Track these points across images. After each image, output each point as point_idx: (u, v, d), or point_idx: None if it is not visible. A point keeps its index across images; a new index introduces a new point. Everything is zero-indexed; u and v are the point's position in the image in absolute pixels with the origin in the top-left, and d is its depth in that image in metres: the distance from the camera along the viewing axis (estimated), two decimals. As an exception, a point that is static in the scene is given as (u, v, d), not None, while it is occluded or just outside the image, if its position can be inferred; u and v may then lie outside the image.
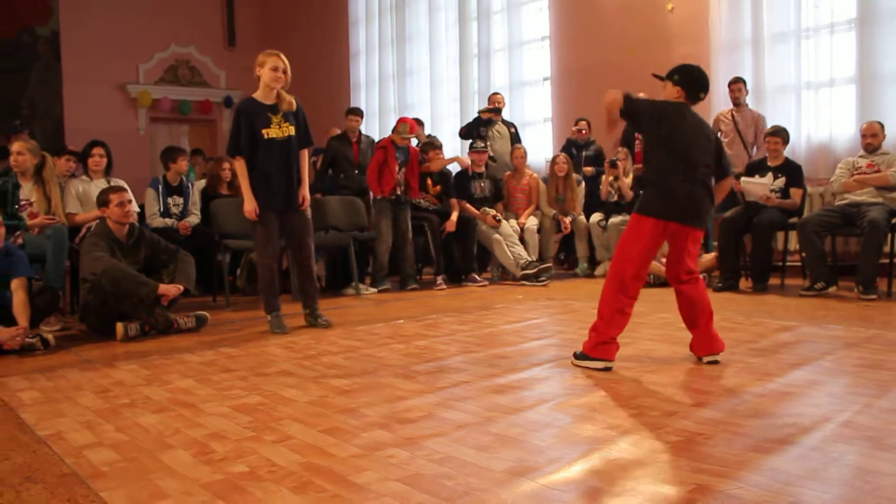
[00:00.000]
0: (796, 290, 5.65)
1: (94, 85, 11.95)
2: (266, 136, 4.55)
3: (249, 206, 4.54)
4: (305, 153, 4.79)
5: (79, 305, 5.01)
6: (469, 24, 9.98)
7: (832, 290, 5.56)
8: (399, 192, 6.90)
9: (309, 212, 4.82)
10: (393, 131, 7.05)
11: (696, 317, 3.38)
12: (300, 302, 4.90)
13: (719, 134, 7.21)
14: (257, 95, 4.62)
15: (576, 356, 3.38)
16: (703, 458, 2.07)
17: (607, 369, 3.25)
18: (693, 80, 3.39)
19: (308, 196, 4.79)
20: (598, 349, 3.27)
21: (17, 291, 4.31)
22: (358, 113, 8.17)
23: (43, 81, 11.66)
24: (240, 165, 4.59)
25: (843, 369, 3.15)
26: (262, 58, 4.59)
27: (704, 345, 3.38)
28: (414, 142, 8.95)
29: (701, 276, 3.48)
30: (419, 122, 9.14)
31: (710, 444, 2.20)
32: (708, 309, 3.38)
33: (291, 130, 4.63)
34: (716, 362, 3.34)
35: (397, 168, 6.87)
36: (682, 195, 3.22)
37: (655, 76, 3.55)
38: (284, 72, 4.56)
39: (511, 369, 3.32)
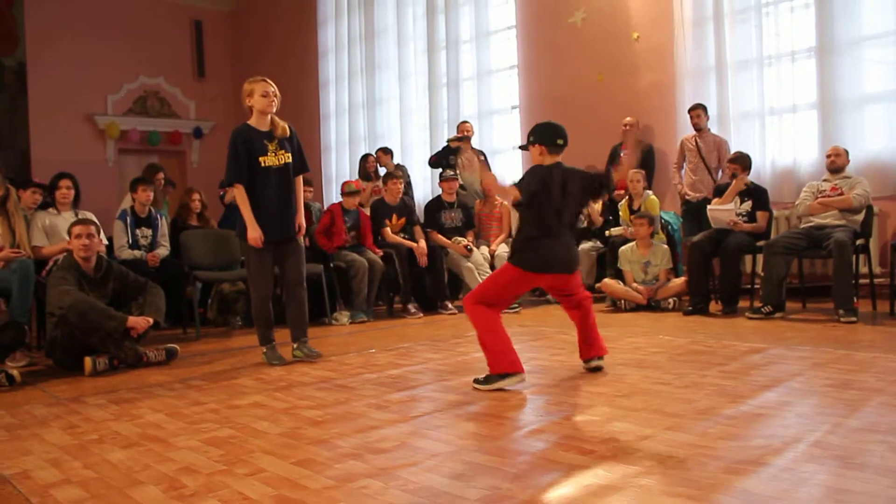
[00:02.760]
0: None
1: (62, 116, 11.83)
2: (263, 164, 4.46)
3: (255, 233, 4.43)
4: (301, 180, 4.72)
5: (45, 340, 4.92)
6: (438, 53, 10.06)
7: (777, 315, 5.59)
8: (352, 243, 7.05)
9: (302, 240, 4.73)
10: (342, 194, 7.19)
11: (590, 327, 3.80)
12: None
13: (685, 161, 7.35)
14: (252, 122, 4.52)
15: (479, 382, 3.51)
16: (677, 482, 2.08)
17: (522, 381, 3.46)
18: (545, 132, 3.71)
19: (304, 224, 4.73)
20: (504, 366, 3.45)
21: (-19, 327, 4.24)
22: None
23: (9, 112, 11.53)
24: (240, 193, 4.46)
25: (813, 390, 3.19)
26: (248, 86, 4.49)
27: (593, 348, 3.80)
28: (382, 170, 9.04)
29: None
30: (386, 152, 9.18)
31: (684, 467, 2.21)
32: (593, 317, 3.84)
33: (287, 158, 4.55)
34: (599, 368, 3.78)
35: (346, 230, 6.99)
36: (556, 250, 3.61)
37: (522, 147, 3.90)
38: (275, 95, 4.49)
39: (484, 397, 3.32)
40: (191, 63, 13.51)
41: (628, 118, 7.84)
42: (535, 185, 3.55)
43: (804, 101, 6.92)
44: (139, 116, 12.77)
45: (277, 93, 4.54)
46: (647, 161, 7.68)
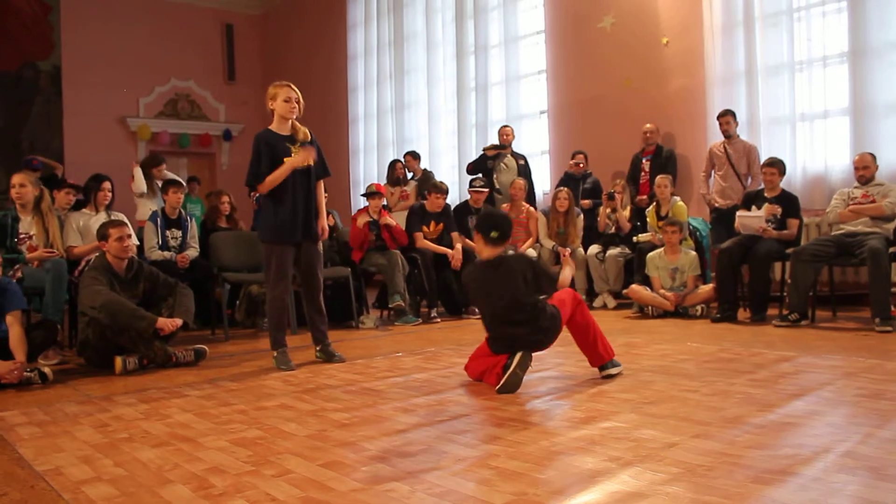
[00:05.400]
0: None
1: (95, 118, 12.05)
2: None
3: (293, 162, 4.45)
4: (321, 184, 4.74)
5: (77, 339, 5.00)
6: (467, 58, 10.09)
7: (803, 323, 5.52)
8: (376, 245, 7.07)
9: (321, 244, 4.75)
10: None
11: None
12: (296, 334, 4.84)
13: (713, 168, 7.27)
14: (273, 127, 4.56)
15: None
16: (704, 490, 2.06)
17: None
18: (480, 225, 3.86)
19: (327, 228, 4.77)
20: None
21: (13, 325, 4.30)
22: None
23: (44, 115, 11.75)
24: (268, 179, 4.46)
25: (843, 399, 3.15)
26: (272, 90, 4.53)
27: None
28: (409, 175, 9.04)
29: None
30: (415, 156, 9.20)
31: (711, 475, 2.19)
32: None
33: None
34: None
35: (373, 237, 7.04)
36: (505, 339, 3.71)
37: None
38: (297, 101, 4.52)
39: (510, 402, 3.32)
40: (221, 66, 13.68)
41: (648, 125, 7.81)
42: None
43: (836, 106, 6.83)
44: (170, 119, 12.96)
45: (301, 99, 4.57)
46: (669, 167, 7.63)
